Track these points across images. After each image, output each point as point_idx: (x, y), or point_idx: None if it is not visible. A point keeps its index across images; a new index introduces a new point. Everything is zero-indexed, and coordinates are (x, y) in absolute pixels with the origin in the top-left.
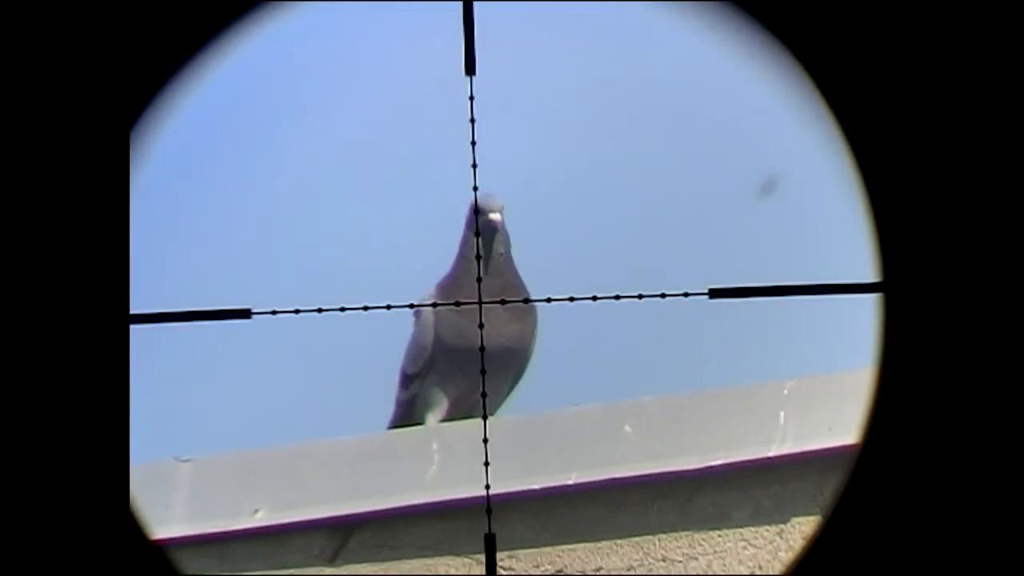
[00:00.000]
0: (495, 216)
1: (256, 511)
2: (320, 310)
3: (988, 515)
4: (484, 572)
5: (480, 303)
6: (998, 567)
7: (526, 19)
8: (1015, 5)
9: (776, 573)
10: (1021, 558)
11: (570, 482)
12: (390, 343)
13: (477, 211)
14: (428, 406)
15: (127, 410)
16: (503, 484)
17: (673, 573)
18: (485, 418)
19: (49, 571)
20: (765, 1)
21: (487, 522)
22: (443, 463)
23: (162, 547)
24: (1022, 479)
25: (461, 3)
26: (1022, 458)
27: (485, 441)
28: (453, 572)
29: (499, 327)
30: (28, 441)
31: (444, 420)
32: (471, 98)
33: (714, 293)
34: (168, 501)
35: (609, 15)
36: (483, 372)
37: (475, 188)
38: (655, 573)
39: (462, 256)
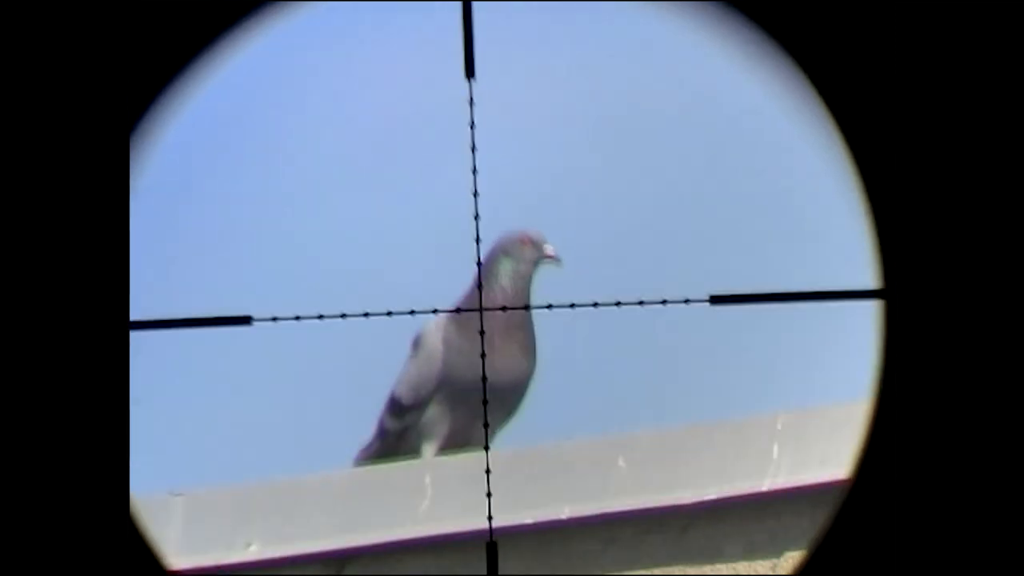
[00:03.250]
0: (551, 249)
1: (249, 544)
2: (321, 317)
3: (989, 515)
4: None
5: (481, 309)
6: None
7: (526, 21)
8: (1015, 5)
9: None
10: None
11: (563, 516)
12: (391, 349)
13: (526, 244)
14: (425, 437)
15: (127, 413)
16: (496, 518)
17: None
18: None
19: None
20: (767, 4)
21: (488, 532)
22: (436, 497)
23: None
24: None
25: (460, 4)
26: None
27: (487, 448)
28: None
29: (511, 363)
30: (28, 446)
31: (439, 453)
32: (471, 102)
33: (715, 300)
34: (161, 535)
35: (609, 17)
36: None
37: (475, 193)
38: None
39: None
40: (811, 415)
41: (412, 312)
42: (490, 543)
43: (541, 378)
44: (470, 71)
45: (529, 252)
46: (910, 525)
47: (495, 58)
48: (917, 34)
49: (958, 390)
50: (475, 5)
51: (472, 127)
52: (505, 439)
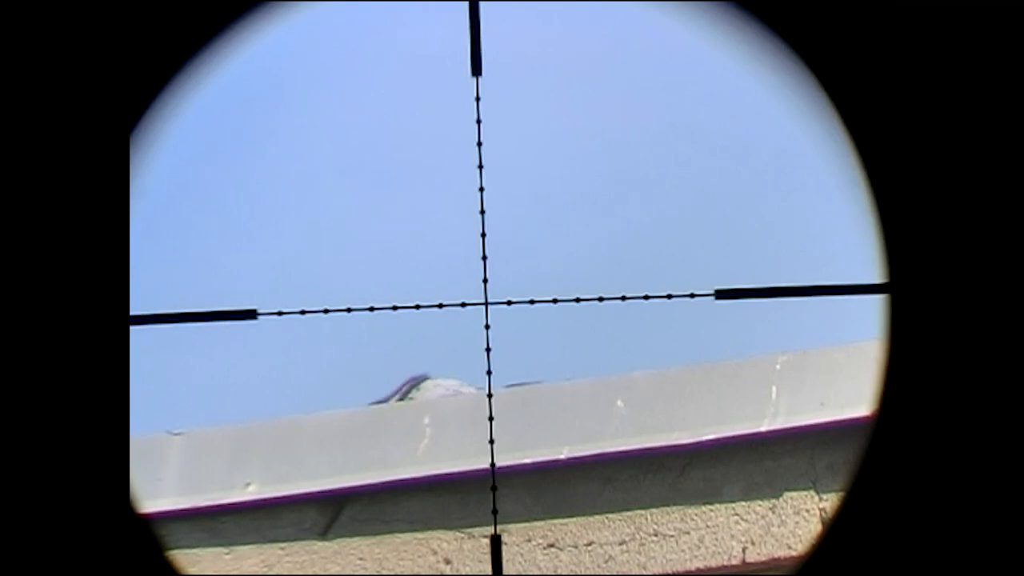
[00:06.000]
0: None
1: (248, 484)
2: (326, 311)
3: (992, 517)
4: (491, 572)
5: (486, 303)
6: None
7: (531, 20)
8: (1017, 6)
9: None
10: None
11: (562, 457)
12: (396, 343)
13: None
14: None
15: (127, 407)
16: (496, 458)
17: (665, 547)
18: (491, 419)
19: (48, 549)
20: (773, 2)
21: (493, 523)
22: (435, 437)
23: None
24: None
25: (467, 3)
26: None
27: (492, 442)
28: (444, 545)
29: None
30: (29, 438)
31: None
32: (477, 99)
33: (720, 294)
34: (159, 474)
35: (615, 16)
36: (489, 373)
37: (481, 189)
38: (647, 547)
39: None
40: (810, 357)
41: (417, 307)
42: (494, 537)
43: (540, 320)
44: (476, 69)
45: None
46: (906, 535)
47: (501, 56)
48: (921, 33)
49: (963, 383)
50: (482, 5)
51: (479, 123)
52: (503, 378)
